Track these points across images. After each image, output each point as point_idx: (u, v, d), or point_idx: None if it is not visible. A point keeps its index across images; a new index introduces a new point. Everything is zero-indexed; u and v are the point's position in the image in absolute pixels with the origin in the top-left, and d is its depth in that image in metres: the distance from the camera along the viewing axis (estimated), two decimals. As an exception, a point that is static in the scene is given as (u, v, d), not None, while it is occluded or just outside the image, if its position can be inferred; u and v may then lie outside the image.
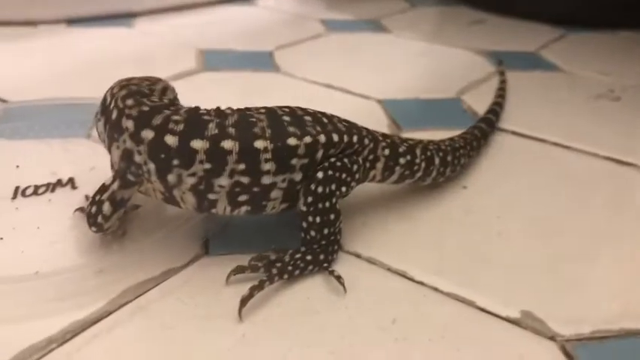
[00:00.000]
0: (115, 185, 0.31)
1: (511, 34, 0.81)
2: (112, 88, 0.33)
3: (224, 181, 0.29)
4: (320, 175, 0.31)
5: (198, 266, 0.32)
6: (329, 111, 0.35)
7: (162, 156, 0.29)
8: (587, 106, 0.58)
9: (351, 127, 0.34)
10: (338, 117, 0.35)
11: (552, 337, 0.29)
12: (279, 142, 0.30)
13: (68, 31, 0.72)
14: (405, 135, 0.49)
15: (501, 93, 0.55)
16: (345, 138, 0.33)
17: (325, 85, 0.60)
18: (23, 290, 0.29)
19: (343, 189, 0.32)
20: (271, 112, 0.31)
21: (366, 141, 0.34)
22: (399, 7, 0.93)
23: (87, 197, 0.37)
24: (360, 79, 0.62)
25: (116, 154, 0.31)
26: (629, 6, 0.82)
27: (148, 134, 0.29)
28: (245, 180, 0.29)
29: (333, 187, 0.31)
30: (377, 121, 0.52)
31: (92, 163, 0.41)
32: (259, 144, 0.29)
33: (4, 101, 0.51)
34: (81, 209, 0.35)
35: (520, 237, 0.37)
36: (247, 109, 0.32)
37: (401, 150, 0.36)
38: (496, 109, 0.51)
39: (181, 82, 0.58)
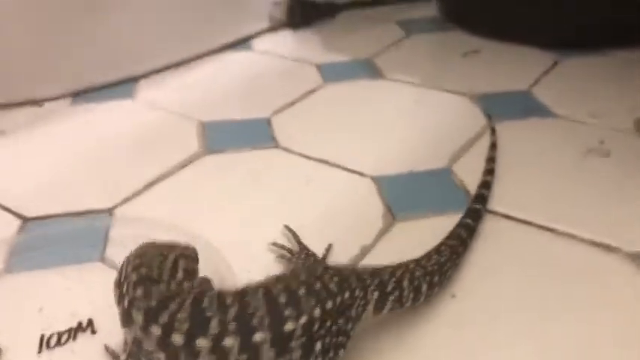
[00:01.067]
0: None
1: (504, 66, 0.82)
2: (126, 266, 0.36)
3: (226, 371, 0.33)
4: (318, 346, 0.34)
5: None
6: (326, 194, 0.39)
7: (170, 349, 0.32)
8: (576, 167, 0.59)
9: (342, 283, 0.37)
10: (330, 270, 0.38)
11: None
12: (277, 330, 0.33)
13: (72, 110, 0.75)
14: (399, 226, 0.52)
15: (490, 167, 0.57)
16: (338, 300, 0.36)
17: (321, 161, 0.62)
18: None
19: (341, 351, 0.35)
20: (268, 295, 0.34)
21: (357, 292, 0.37)
22: (394, 38, 0.93)
23: (106, 348, 0.40)
24: (356, 148, 0.64)
25: (128, 336, 0.35)
26: (619, 26, 0.82)
27: (156, 331, 0.33)
28: (247, 364, 0.33)
29: (332, 353, 0.34)
30: (372, 209, 0.54)
31: (108, 298, 0.45)
32: (258, 337, 0.32)
33: (21, 217, 0.55)
34: (108, 348, 0.39)
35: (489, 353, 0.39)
36: (245, 293, 0.34)
37: (389, 289, 0.39)
38: (483, 193, 0.53)
39: (188, 170, 0.61)
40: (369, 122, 0.70)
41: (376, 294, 0.38)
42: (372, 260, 0.48)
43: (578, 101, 0.72)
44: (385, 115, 0.72)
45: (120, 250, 0.49)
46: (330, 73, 0.83)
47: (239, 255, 0.48)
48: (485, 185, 0.54)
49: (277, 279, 0.36)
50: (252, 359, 0.33)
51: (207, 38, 0.89)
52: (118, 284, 0.36)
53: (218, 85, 0.81)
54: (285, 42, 0.95)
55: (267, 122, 0.70)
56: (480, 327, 0.42)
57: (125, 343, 0.36)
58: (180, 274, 0.37)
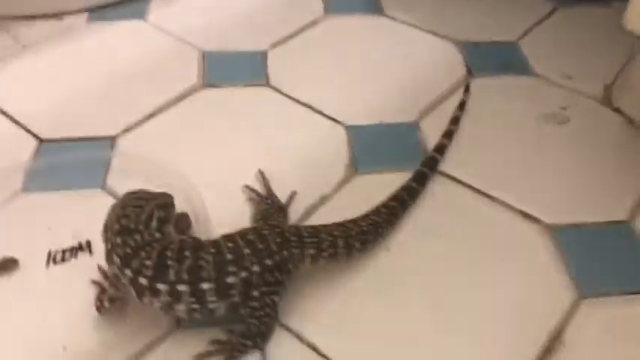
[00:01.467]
0: (111, 291, 0.45)
1: (502, 11, 0.84)
2: (111, 214, 0.45)
3: (181, 307, 0.42)
4: (255, 293, 0.43)
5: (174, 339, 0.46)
6: (302, 140, 0.56)
7: (139, 287, 0.42)
8: (532, 133, 0.65)
9: (283, 242, 0.45)
10: (276, 230, 0.46)
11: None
12: (220, 281, 0.42)
13: (87, 28, 0.81)
14: (359, 178, 0.59)
15: (450, 129, 0.63)
16: (277, 257, 0.44)
17: (305, 104, 0.68)
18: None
19: (276, 297, 0.45)
20: (218, 251, 0.43)
21: (295, 250, 0.46)
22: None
23: (99, 268, 0.51)
24: (339, 93, 0.70)
25: (110, 270, 0.44)
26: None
27: (128, 273, 0.42)
28: (196, 306, 0.42)
29: (267, 299, 0.44)
30: (339, 159, 0.61)
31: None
32: (205, 285, 0.42)
33: (37, 138, 0.64)
34: (95, 282, 0.49)
35: (420, 311, 0.48)
36: (201, 246, 0.43)
37: (324, 246, 0.47)
38: (435, 156, 0.59)
39: (185, 104, 0.68)
40: (358, 65, 0.75)
41: (312, 251, 0.47)
42: (328, 209, 0.57)
43: (559, 58, 0.75)
44: (374, 58, 0.76)
45: (118, 180, 0.59)
46: (333, 2, 0.86)
47: (216, 194, 0.57)
48: (440, 148, 0.60)
49: (230, 236, 0.45)
50: (200, 301, 0.42)
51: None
52: (105, 229, 0.45)
53: (224, 8, 0.85)
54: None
55: (264, 56, 0.76)
56: (407, 281, 0.50)
57: (108, 270, 0.46)
58: (154, 223, 0.46)
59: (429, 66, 0.74)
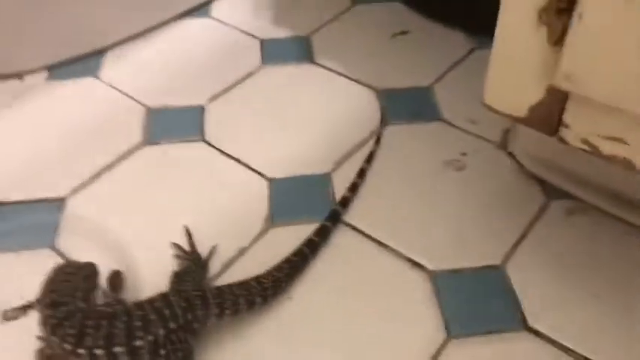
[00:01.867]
0: (48, 350, 0.54)
1: (422, 53, 0.92)
2: (44, 288, 0.55)
3: (100, 366, 0.52)
4: (162, 352, 0.52)
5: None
6: (228, 194, 0.66)
7: (65, 351, 0.51)
8: (431, 180, 0.73)
9: (187, 307, 0.54)
10: (182, 294, 0.55)
11: None
12: (130, 344, 0.51)
13: (46, 86, 0.90)
14: (274, 231, 0.68)
15: (355, 182, 0.71)
16: (181, 320, 0.53)
17: (234, 158, 0.77)
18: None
19: (180, 355, 0.54)
20: (129, 318, 0.52)
21: (199, 312, 0.55)
22: (340, 8, 1.02)
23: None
24: (268, 145, 0.78)
25: (46, 333, 0.54)
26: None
27: (55, 339, 0.51)
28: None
29: (173, 357, 0.53)
30: (258, 212, 0.70)
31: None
32: (117, 349, 0.51)
33: (-3, 201, 0.73)
34: (41, 337, 0.59)
35: (309, 352, 0.57)
36: (115, 315, 0.52)
37: (226, 305, 0.56)
38: (337, 209, 0.68)
39: (128, 162, 0.77)
40: (287, 116, 0.83)
41: (216, 310, 0.56)
42: (245, 262, 0.65)
43: (468, 102, 0.82)
44: (302, 108, 0.84)
45: (66, 240, 0.68)
46: (270, 52, 0.94)
47: (146, 251, 0.66)
48: (344, 202, 0.69)
49: (140, 304, 0.54)
50: (114, 362, 0.52)
51: (169, 6, 1.00)
52: (38, 302, 0.55)
53: (169, 62, 0.93)
54: (244, 6, 1.04)
55: (202, 110, 0.84)
56: (305, 325, 0.59)
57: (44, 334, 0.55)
58: (79, 294, 0.55)
59: (348, 114, 0.83)
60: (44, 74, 0.92)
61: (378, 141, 0.77)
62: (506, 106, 0.56)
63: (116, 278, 0.62)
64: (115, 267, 0.64)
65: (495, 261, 0.64)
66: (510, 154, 0.75)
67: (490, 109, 0.58)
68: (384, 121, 0.81)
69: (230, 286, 0.58)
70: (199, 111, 0.84)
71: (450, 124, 0.80)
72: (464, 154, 0.76)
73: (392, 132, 0.79)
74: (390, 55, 0.92)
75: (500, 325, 0.59)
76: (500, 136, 0.78)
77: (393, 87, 0.86)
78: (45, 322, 0.53)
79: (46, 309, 0.53)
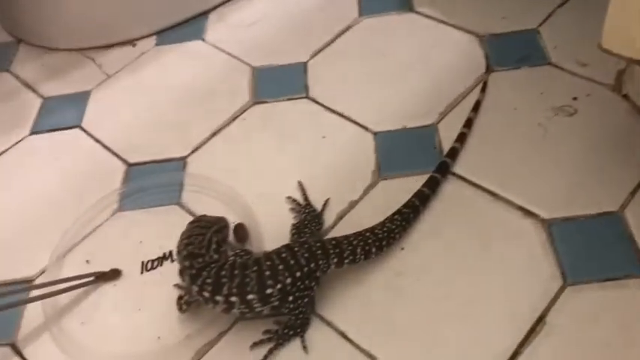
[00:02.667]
0: (187, 296, 0.60)
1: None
2: (181, 241, 0.60)
3: (235, 311, 0.56)
4: (290, 298, 0.57)
5: (237, 329, 0.61)
6: (335, 149, 0.70)
7: (203, 298, 0.57)
8: (540, 127, 0.72)
9: (310, 256, 0.58)
10: (305, 245, 0.59)
11: (408, 385, 0.55)
12: (261, 292, 0.55)
13: (156, 51, 0.95)
14: (382, 184, 0.70)
15: (463, 132, 0.71)
16: (305, 270, 0.57)
17: (338, 114, 0.79)
18: (149, 353, 0.61)
19: (306, 299, 0.58)
20: (259, 268, 0.56)
21: (320, 262, 0.58)
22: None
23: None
24: (372, 99, 0.80)
25: (185, 281, 0.59)
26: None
27: (195, 288, 0.57)
28: (246, 310, 0.56)
29: (300, 301, 0.57)
30: (366, 165, 0.72)
31: (181, 235, 0.69)
32: (250, 296, 0.56)
33: (126, 163, 0.79)
34: (177, 285, 0.65)
35: (424, 299, 0.60)
36: (247, 266, 0.57)
37: (345, 255, 0.60)
38: (446, 161, 0.69)
39: (238, 122, 0.81)
40: (388, 67, 0.84)
41: (335, 259, 0.59)
42: (356, 214, 0.68)
43: (577, 43, 0.80)
44: (403, 58, 0.84)
45: (190, 196, 0.73)
46: (368, 3, 0.94)
47: (264, 205, 0.70)
48: (452, 153, 0.70)
49: (268, 255, 0.58)
50: (248, 307, 0.56)
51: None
52: (177, 253, 0.60)
53: (270, 21, 0.95)
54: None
55: (304, 68, 0.86)
56: (417, 274, 0.62)
57: (182, 283, 0.61)
58: (213, 246, 0.59)
59: (452, 63, 0.82)
60: (154, 40, 0.97)
61: (484, 89, 0.76)
62: (627, 48, 0.54)
63: (241, 230, 0.67)
64: (238, 220, 0.68)
65: (612, 207, 0.63)
66: (625, 97, 0.73)
67: (608, 52, 0.56)
68: (489, 68, 0.79)
69: (347, 237, 0.61)
70: (302, 68, 0.86)
71: (558, 67, 0.78)
72: (575, 98, 0.74)
73: (498, 79, 0.78)
74: (489, 4, 0.89)
75: (619, 272, 0.58)
76: (613, 78, 0.75)
77: (498, 32, 0.84)
78: (184, 273, 0.58)
79: (184, 260, 0.58)
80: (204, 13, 0.99)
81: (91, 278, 0.66)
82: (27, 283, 0.67)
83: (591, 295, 0.57)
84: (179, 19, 0.98)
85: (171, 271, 0.66)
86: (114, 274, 0.67)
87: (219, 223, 0.62)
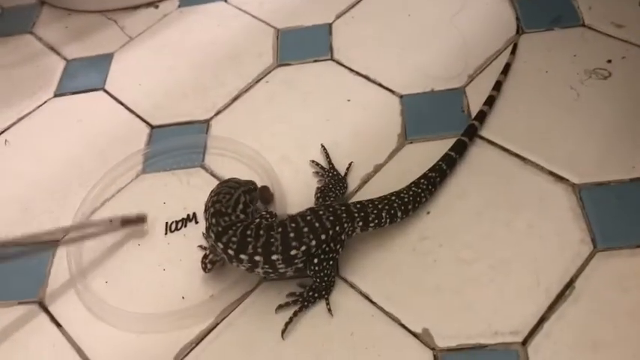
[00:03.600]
0: (211, 256, 0.60)
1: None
2: (210, 199, 0.59)
3: (259, 270, 0.56)
4: (315, 260, 0.56)
5: (261, 289, 0.61)
6: (359, 112, 0.68)
7: (228, 256, 0.57)
8: (572, 90, 0.70)
9: (335, 219, 0.57)
10: (330, 209, 0.58)
11: (433, 348, 0.55)
12: (286, 253, 0.55)
13: (179, 13, 0.94)
14: (408, 147, 0.69)
15: (492, 95, 0.69)
16: (330, 232, 0.57)
17: (363, 76, 0.78)
18: (174, 311, 0.61)
19: (331, 262, 0.57)
20: (284, 230, 0.56)
21: (345, 225, 0.58)
22: None
23: (203, 234, 0.66)
24: (397, 62, 0.78)
25: (209, 241, 0.59)
26: None
27: (220, 245, 0.57)
28: (270, 270, 0.56)
29: (324, 263, 0.57)
30: (392, 128, 0.71)
31: (204, 198, 0.69)
32: (274, 257, 0.55)
33: (149, 125, 0.79)
34: (200, 246, 0.65)
35: (449, 263, 0.59)
36: (272, 226, 0.56)
37: (371, 218, 0.59)
38: (474, 124, 0.67)
39: (262, 84, 0.80)
40: (414, 29, 0.82)
41: (361, 223, 0.59)
42: (381, 178, 0.67)
43: (612, 3, 0.77)
44: (430, 20, 0.82)
45: (213, 159, 0.73)
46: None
47: (288, 168, 0.69)
48: (480, 116, 0.68)
49: (293, 217, 0.57)
50: (272, 268, 0.56)
51: None
52: (205, 210, 0.60)
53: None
54: None
55: (329, 29, 0.85)
56: (442, 239, 0.61)
57: (208, 241, 0.61)
58: (240, 207, 0.59)
59: (481, 25, 0.80)
60: (176, 1, 0.96)
61: (514, 51, 0.74)
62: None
63: (265, 192, 0.66)
64: (262, 183, 0.68)
65: (645, 173, 0.61)
66: (663, 59, 0.70)
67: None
68: (520, 30, 0.77)
69: (372, 200, 0.60)
70: (326, 29, 0.85)
71: (592, 29, 0.75)
72: (609, 61, 0.71)
73: (529, 40, 0.76)
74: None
75: (651, 239, 0.57)
76: (651, 39, 0.72)
77: (531, -8, 0.81)
78: (210, 230, 0.58)
79: (211, 218, 0.58)
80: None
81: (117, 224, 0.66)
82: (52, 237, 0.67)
83: (621, 262, 0.56)
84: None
85: (194, 232, 0.66)
86: (139, 220, 0.67)
87: (248, 185, 0.61)
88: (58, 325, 0.62)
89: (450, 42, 0.79)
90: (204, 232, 0.62)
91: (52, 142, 0.80)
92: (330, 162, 0.68)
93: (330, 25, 0.85)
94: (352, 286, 0.59)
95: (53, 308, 0.63)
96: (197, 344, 0.58)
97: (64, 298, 0.63)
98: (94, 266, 0.65)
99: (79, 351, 0.60)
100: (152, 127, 0.78)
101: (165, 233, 0.67)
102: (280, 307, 0.58)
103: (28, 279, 0.65)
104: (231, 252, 0.56)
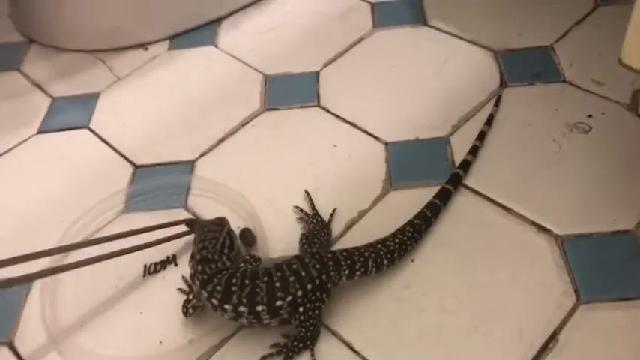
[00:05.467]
0: (194, 300, 0.59)
1: (543, 11, 0.88)
2: (196, 245, 0.59)
3: (243, 320, 0.55)
4: (301, 309, 0.55)
5: (241, 335, 0.60)
6: (344, 159, 0.69)
7: (211, 304, 0.55)
8: (555, 144, 0.71)
9: (322, 268, 0.56)
10: (316, 256, 0.57)
11: (415, 400, 0.53)
12: (271, 304, 0.54)
13: (169, 56, 0.94)
14: (393, 194, 0.69)
15: (475, 145, 0.70)
16: (317, 281, 0.56)
17: (349, 123, 0.78)
18: (150, 357, 0.59)
19: (317, 311, 0.56)
20: (269, 279, 0.55)
21: (332, 273, 0.57)
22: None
23: (183, 277, 0.64)
24: (383, 109, 0.79)
25: (195, 286, 0.58)
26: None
27: (204, 293, 0.55)
28: (254, 320, 0.55)
29: (310, 312, 0.55)
30: (377, 175, 0.71)
31: (187, 240, 0.68)
32: (259, 307, 0.54)
33: (133, 165, 0.78)
34: (180, 289, 0.63)
35: (432, 312, 0.59)
36: (257, 275, 0.55)
37: (357, 266, 0.58)
38: (459, 172, 0.68)
39: (249, 128, 0.80)
40: (400, 79, 0.83)
41: (347, 271, 0.58)
42: (365, 223, 0.67)
43: (592, 62, 0.79)
44: (416, 71, 0.84)
45: (197, 200, 0.72)
46: (382, 16, 0.94)
47: (271, 212, 0.69)
48: (464, 165, 0.69)
49: (279, 265, 0.56)
50: (256, 319, 0.55)
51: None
52: (191, 257, 0.59)
53: (282, 29, 0.95)
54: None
55: (316, 77, 0.86)
56: (426, 287, 0.60)
57: (192, 287, 0.59)
58: (226, 250, 0.58)
59: (465, 77, 0.81)
60: (166, 44, 0.97)
61: (497, 103, 0.76)
62: (648, 63, 0.54)
63: (247, 235, 0.66)
64: (246, 226, 0.67)
65: (627, 226, 0.62)
66: (641, 116, 0.72)
67: (628, 67, 0.55)
68: (503, 83, 0.79)
69: (358, 248, 0.60)
70: (314, 77, 0.86)
71: (573, 85, 0.77)
72: (589, 116, 0.73)
73: (512, 94, 0.77)
74: (506, 15, 0.89)
75: (634, 292, 0.57)
76: (629, 97, 0.74)
77: (512, 47, 0.84)
78: (195, 277, 0.57)
79: (197, 264, 0.57)
80: (218, 20, 0.99)
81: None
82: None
83: (605, 314, 0.56)
84: (193, 25, 0.98)
85: (174, 275, 0.65)
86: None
87: (224, 224, 0.61)
88: (28, 369, 0.59)
89: (434, 92, 0.80)
90: (184, 275, 0.61)
91: (33, 179, 0.78)
92: (313, 208, 0.68)
93: (317, 73, 0.86)
94: (334, 333, 0.58)
95: (23, 351, 0.61)
96: (173, 391, 0.56)
97: (37, 341, 0.61)
98: (69, 307, 0.63)
99: (48, 397, 0.57)
100: (136, 166, 0.78)
101: (144, 275, 0.66)
102: (264, 358, 0.56)
103: (-1, 318, 0.63)
104: (215, 301, 0.55)
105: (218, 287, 0.55)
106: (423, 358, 0.55)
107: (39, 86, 0.93)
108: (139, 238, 0.65)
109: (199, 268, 0.56)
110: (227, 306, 0.54)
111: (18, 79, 0.95)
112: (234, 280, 0.55)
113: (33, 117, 0.87)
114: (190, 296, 0.59)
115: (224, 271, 0.56)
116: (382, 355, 0.56)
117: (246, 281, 0.55)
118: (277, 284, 0.55)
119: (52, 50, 0.99)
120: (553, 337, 0.55)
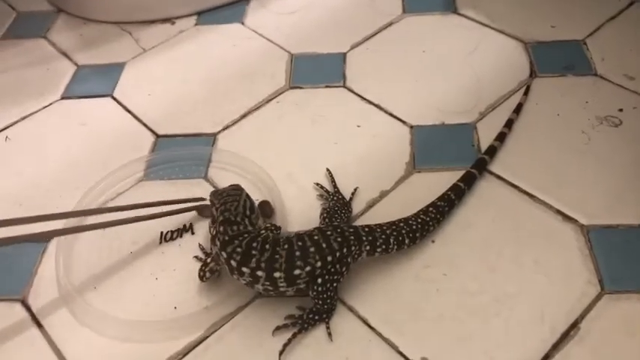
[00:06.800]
0: (212, 264, 0.58)
1: (577, 5, 0.87)
2: (218, 207, 0.58)
3: (259, 286, 0.54)
4: (319, 281, 0.54)
5: (257, 305, 0.59)
6: (368, 138, 0.68)
7: (230, 266, 0.55)
8: (583, 135, 0.70)
9: (343, 241, 0.55)
10: (338, 230, 0.56)
11: (430, 379, 0.52)
12: (289, 272, 0.53)
13: (196, 31, 0.94)
14: (416, 176, 0.68)
15: (503, 131, 0.69)
16: (337, 254, 0.55)
17: (374, 104, 0.77)
18: (164, 321, 0.58)
19: (335, 284, 0.55)
20: (290, 247, 0.54)
21: (353, 248, 0.56)
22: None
23: (200, 246, 0.64)
24: (410, 93, 0.78)
25: (214, 248, 0.57)
26: None
27: (224, 255, 0.55)
28: (270, 287, 0.54)
29: (328, 285, 0.54)
30: (400, 157, 0.70)
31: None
32: (276, 274, 0.53)
33: (155, 134, 0.78)
34: (196, 257, 0.63)
35: (452, 293, 0.58)
36: (278, 242, 0.54)
37: (378, 243, 0.57)
38: (484, 157, 0.67)
39: (273, 104, 0.79)
40: (428, 65, 0.82)
41: (368, 247, 0.57)
42: (387, 204, 0.66)
43: (625, 57, 0.78)
44: (444, 57, 0.83)
45: (217, 172, 0.71)
46: (411, 2, 0.93)
47: (291, 188, 0.68)
48: (491, 150, 0.67)
49: (300, 235, 0.56)
50: (272, 286, 0.54)
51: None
52: (212, 219, 0.58)
53: (311, 10, 0.94)
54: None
55: (343, 58, 0.85)
56: (446, 268, 0.59)
57: (212, 249, 0.59)
58: (247, 212, 0.58)
59: (494, 66, 0.80)
60: (194, 19, 0.96)
61: (527, 92, 0.74)
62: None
63: (266, 207, 0.65)
64: (265, 198, 0.66)
65: (654, 225, 0.60)
66: (673, 112, 0.70)
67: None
68: (532, 73, 0.78)
69: (380, 225, 0.59)
70: (341, 58, 0.85)
71: (604, 79, 0.76)
72: (620, 110, 0.72)
73: (541, 84, 0.76)
74: (537, 8, 0.88)
75: (659, 286, 0.56)
76: (661, 93, 0.73)
77: (543, 39, 0.82)
78: (216, 238, 0.56)
79: (219, 226, 0.56)
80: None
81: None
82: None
83: (629, 306, 0.55)
84: (221, 2, 0.97)
85: (190, 243, 0.65)
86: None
87: (240, 189, 0.60)
88: (40, 325, 0.59)
89: (462, 79, 0.79)
90: (200, 244, 0.62)
91: (54, 143, 0.78)
92: (335, 186, 0.67)
93: (344, 55, 0.85)
94: (350, 309, 0.57)
95: (38, 312, 0.60)
96: (184, 356, 0.55)
97: (49, 299, 0.61)
98: (83, 270, 0.63)
99: (58, 354, 0.57)
100: (157, 135, 0.77)
101: (160, 242, 0.65)
102: (278, 328, 0.56)
103: (13, 275, 0.63)
104: (233, 263, 0.54)
105: (238, 249, 0.54)
106: (440, 339, 0.54)
107: (64, 54, 0.93)
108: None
109: (221, 229, 0.56)
110: (245, 269, 0.53)
111: (44, 46, 0.95)
112: (254, 244, 0.54)
113: (57, 83, 0.87)
114: (209, 259, 0.59)
115: (245, 234, 0.55)
116: (398, 333, 0.55)
117: (267, 246, 0.54)
118: (297, 253, 0.54)
119: (80, 20, 0.99)
120: (575, 325, 0.54)
